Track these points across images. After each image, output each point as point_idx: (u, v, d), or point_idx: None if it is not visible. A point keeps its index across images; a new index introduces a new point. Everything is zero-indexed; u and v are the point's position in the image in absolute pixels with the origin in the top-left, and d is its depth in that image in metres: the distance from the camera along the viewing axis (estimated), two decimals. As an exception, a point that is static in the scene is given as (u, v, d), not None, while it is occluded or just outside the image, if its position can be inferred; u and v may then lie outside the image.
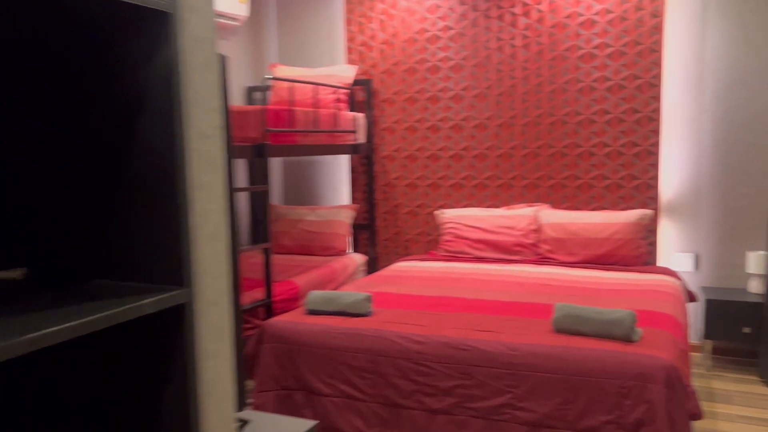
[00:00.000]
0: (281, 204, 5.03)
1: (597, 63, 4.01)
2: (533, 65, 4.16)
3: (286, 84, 4.42)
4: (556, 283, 3.43)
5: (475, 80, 4.30)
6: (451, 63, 4.35)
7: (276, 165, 5.00)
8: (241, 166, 4.80)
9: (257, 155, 3.26)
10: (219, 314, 1.14)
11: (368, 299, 2.89)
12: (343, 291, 3.40)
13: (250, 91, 4.85)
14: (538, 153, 4.20)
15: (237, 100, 4.75)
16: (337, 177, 4.85)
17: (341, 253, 4.44)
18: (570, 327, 2.50)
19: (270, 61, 4.89)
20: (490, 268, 3.83)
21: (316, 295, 2.96)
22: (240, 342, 3.02)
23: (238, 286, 2.97)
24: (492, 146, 4.30)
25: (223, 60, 2.61)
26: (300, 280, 3.76)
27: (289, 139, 3.61)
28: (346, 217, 4.50)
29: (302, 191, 4.99)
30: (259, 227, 4.94)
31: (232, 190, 2.94)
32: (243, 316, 3.15)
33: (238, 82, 4.78)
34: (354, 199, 4.73)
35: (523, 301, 3.06)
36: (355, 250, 4.71)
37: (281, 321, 2.84)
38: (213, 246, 1.12)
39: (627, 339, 2.40)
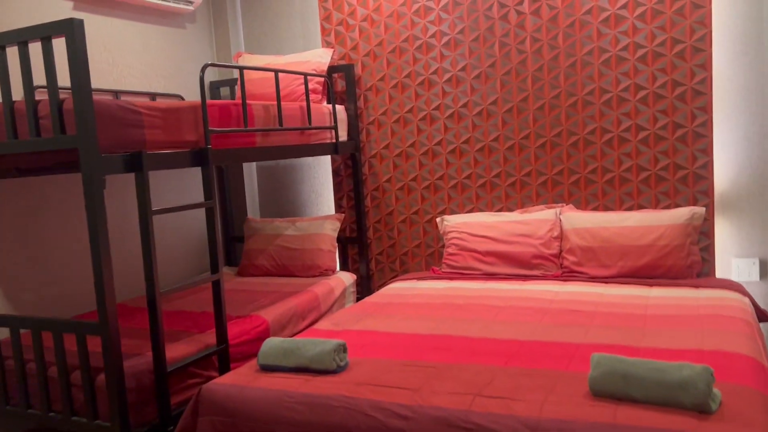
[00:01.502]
0: (257, 217, 4.32)
1: (625, 27, 3.23)
2: (546, 35, 3.39)
3: (255, 75, 3.71)
4: (587, 308, 2.68)
5: (476, 57, 3.54)
6: (446, 38, 3.60)
7: (250, 172, 4.29)
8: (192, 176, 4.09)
9: (196, 163, 2.55)
10: None
11: (339, 349, 2.16)
12: (320, 328, 2.69)
13: (215, 86, 4.14)
14: (557, 142, 3.43)
15: (195, 98, 4.04)
16: (319, 182, 4.13)
17: (328, 272, 3.72)
18: (615, 390, 1.76)
19: (236, 50, 4.19)
20: (504, 288, 3.09)
21: (271, 345, 2.25)
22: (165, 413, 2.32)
23: (158, 336, 2.27)
24: (500, 137, 3.55)
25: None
26: (271, 313, 3.05)
27: (244, 141, 2.89)
28: (331, 230, 3.78)
29: (280, 201, 4.27)
30: (233, 247, 4.24)
31: (148, 213, 2.24)
32: (168, 377, 2.44)
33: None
34: (339, 208, 4.01)
35: (546, 340, 2.31)
36: (344, 268, 3.98)
37: (223, 384, 2.13)
38: None
39: (701, 409, 1.65)
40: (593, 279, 3.11)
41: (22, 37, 2.13)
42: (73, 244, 3.13)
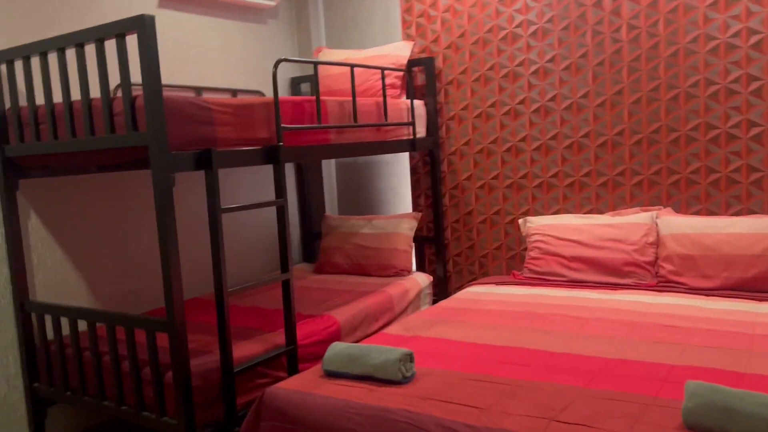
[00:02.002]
0: (335, 214, 4.27)
1: (737, 10, 2.90)
2: (644, 21, 3.11)
3: (334, 71, 3.66)
4: (684, 324, 2.41)
5: (566, 47, 3.31)
6: (533, 28, 3.38)
7: (329, 168, 4.25)
8: (287, 173, 4.09)
9: (268, 160, 2.51)
10: None
11: (406, 358, 2.05)
12: (390, 333, 2.58)
13: (296, 82, 4.12)
14: (655, 139, 3.14)
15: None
16: (397, 179, 4.02)
17: (403, 273, 3.61)
18: (713, 425, 1.53)
19: (317, 45, 4.15)
20: (590, 298, 2.85)
21: (336, 351, 2.16)
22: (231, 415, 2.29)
23: (225, 336, 2.24)
24: (591, 132, 3.29)
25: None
26: (343, 314, 2.98)
27: (318, 138, 2.83)
28: (408, 229, 3.67)
29: (358, 198, 4.20)
30: (312, 244, 4.21)
31: (217, 211, 2.21)
32: (236, 377, 2.41)
33: (284, 72, 4.07)
34: (416, 206, 3.88)
35: (635, 359, 2.09)
36: (420, 269, 3.86)
37: (285, 390, 2.06)
38: None
39: (821, 456, 1.41)
40: (693, 291, 2.82)
41: (97, 35, 2.15)
42: (153, 239, 3.18)
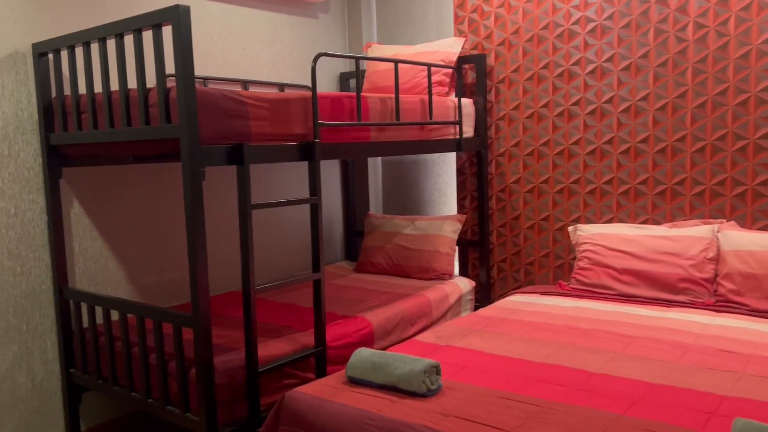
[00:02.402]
0: (379, 213, 4.20)
1: (819, 9, 2.64)
2: (713, 20, 2.88)
3: (382, 67, 3.58)
4: (742, 349, 2.21)
5: (626, 46, 3.11)
6: (592, 25, 3.20)
7: (375, 166, 4.17)
8: (332, 169, 4.05)
9: (303, 157, 2.45)
10: None
11: (431, 370, 1.95)
12: (422, 340, 2.48)
13: (345, 78, 4.07)
14: (720, 147, 2.92)
15: (325, 89, 3.99)
16: (443, 180, 3.91)
17: (444, 276, 3.50)
18: (765, 471, 1.37)
19: (368, 40, 4.07)
20: (640, 314, 2.67)
21: (360, 357, 2.08)
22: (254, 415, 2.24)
23: (251, 335, 2.20)
24: (650, 137, 3.09)
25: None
26: (377, 317, 2.90)
27: (357, 135, 2.75)
28: (451, 231, 3.55)
29: (403, 198, 4.11)
30: (355, 241, 4.15)
31: (247, 207, 2.17)
32: (262, 376, 2.36)
33: (333, 68, 4.02)
34: (462, 208, 3.76)
35: (683, 386, 1.92)
36: (463, 274, 3.73)
37: (305, 395, 2.00)
38: None
39: None
40: (754, 313, 2.59)
41: (135, 25, 2.13)
42: (194, 231, 3.19)
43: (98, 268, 2.86)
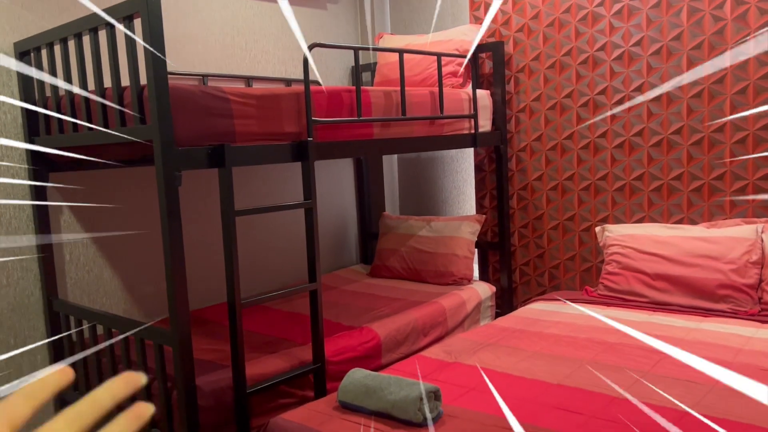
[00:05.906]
0: (396, 212, 3.98)
1: None
2: (756, -5, 2.58)
3: (393, 58, 3.36)
4: (792, 370, 1.93)
5: (656, 28, 2.82)
6: (618, 6, 2.91)
7: (391, 164, 3.96)
8: (345, 167, 3.84)
9: (295, 157, 2.25)
10: None
11: (429, 396, 1.73)
12: (429, 356, 2.27)
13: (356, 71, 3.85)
14: (763, 137, 2.61)
15: (336, 84, 3.79)
16: (462, 178, 3.67)
17: (462, 281, 3.27)
18: None
19: (381, 31, 3.86)
20: (674, 325, 2.40)
21: (353, 380, 1.88)
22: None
23: (238, 353, 2.02)
24: (683, 128, 2.80)
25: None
26: (386, 327, 2.69)
27: (359, 132, 2.54)
28: (469, 233, 3.32)
29: (420, 197, 3.88)
30: (370, 243, 3.95)
31: (230, 214, 1.99)
32: (253, 396, 2.18)
33: (346, 61, 3.82)
34: (481, 208, 3.51)
35: (721, 416, 1.66)
36: (483, 278, 3.49)
37: (290, 422, 1.80)
38: None
39: None
40: (806, 324, 2.30)
41: (105, 19, 1.97)
42: (193, 237, 3.03)
43: (91, 278, 2.72)
